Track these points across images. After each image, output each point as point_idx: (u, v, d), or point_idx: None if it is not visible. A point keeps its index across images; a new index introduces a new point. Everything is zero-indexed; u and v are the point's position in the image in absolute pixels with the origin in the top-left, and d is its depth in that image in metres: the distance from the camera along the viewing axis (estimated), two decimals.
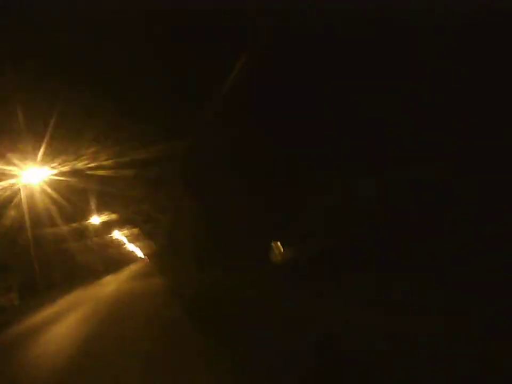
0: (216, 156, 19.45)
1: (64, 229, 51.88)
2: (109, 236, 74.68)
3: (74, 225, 54.26)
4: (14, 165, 30.24)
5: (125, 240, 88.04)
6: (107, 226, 66.95)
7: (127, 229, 73.53)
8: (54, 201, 37.23)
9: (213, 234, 23.96)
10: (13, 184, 31.69)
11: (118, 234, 77.92)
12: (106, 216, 59.93)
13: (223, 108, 16.12)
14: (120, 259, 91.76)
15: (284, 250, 19.57)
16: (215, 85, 15.67)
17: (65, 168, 29.62)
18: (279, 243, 20.72)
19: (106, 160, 27.26)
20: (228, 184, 19.46)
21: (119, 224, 67.69)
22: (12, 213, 33.85)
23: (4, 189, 31.27)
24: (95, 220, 61.33)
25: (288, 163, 14.42)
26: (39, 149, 26.29)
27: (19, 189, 32.01)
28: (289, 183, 14.82)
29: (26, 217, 32.61)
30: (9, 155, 27.81)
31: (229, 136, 16.88)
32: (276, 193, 15.92)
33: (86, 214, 58.39)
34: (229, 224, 21.03)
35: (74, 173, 30.31)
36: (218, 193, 21.07)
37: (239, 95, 14.64)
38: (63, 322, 18.20)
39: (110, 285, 38.31)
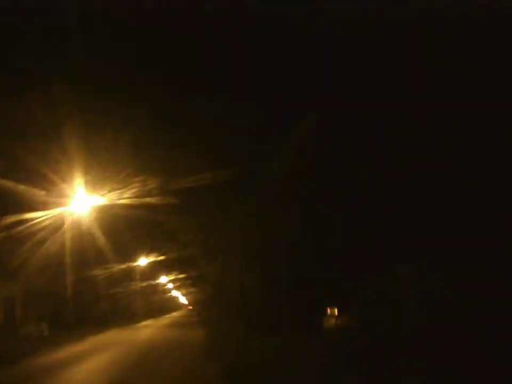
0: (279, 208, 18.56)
1: (109, 267, 50.18)
2: (155, 280, 72.94)
3: (120, 265, 52.64)
4: (61, 194, 28.72)
5: (170, 285, 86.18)
6: (153, 270, 65.13)
7: (173, 275, 71.72)
8: (100, 234, 35.42)
9: (265, 293, 21.79)
10: (59, 213, 29.99)
11: (163, 279, 76.27)
12: (154, 257, 58.34)
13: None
14: (163, 305, 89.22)
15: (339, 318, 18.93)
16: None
17: (113, 197, 27.69)
18: (335, 310, 19.18)
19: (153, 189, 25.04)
20: (287, 241, 18.79)
21: (166, 268, 65.90)
22: (55, 242, 31.99)
23: (49, 218, 29.54)
24: (143, 261, 59.72)
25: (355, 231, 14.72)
26: (85, 177, 25.30)
27: (64, 218, 30.21)
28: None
29: (69, 248, 30.59)
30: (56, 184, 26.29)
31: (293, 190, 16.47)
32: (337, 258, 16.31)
33: (133, 254, 57.06)
34: (283, 285, 20.21)
35: (123, 204, 28.33)
36: (277, 250, 20.06)
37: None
38: (82, 364, 15.56)
39: (146, 330, 35.65)
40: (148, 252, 56.97)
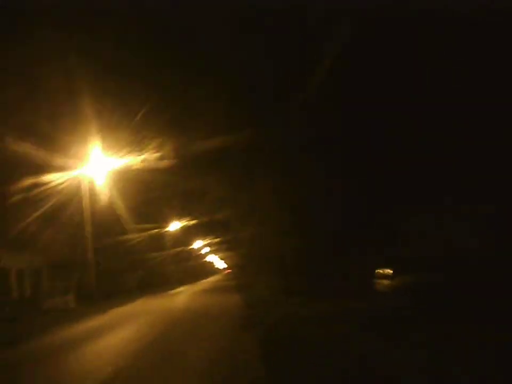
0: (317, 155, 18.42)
1: (139, 233, 47.82)
2: (189, 245, 71.03)
3: (150, 229, 50.32)
4: (78, 156, 25.92)
5: (205, 250, 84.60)
6: (187, 235, 62.78)
7: (208, 239, 69.65)
8: (126, 198, 32.56)
9: (306, 251, 21.37)
10: (78, 176, 27.20)
11: (198, 244, 74.39)
12: (186, 221, 55.88)
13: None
14: (199, 270, 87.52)
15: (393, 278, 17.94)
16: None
17: (135, 158, 24.84)
18: (387, 270, 18.20)
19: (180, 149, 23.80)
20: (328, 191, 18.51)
21: (200, 233, 63.54)
22: (79, 208, 29.28)
23: (69, 180, 26.75)
24: (175, 226, 57.31)
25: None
26: (105, 140, 23.95)
27: (85, 182, 27.40)
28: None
29: (93, 214, 27.84)
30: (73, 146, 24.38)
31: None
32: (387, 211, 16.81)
33: (164, 219, 54.63)
34: (327, 239, 19.67)
35: (146, 164, 25.47)
36: (318, 200, 19.78)
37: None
38: (100, 340, 13.07)
39: (179, 297, 32.94)
40: (180, 216, 54.42)
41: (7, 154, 21.86)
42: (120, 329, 15.72)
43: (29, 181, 24.41)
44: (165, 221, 54.44)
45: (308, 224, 22.06)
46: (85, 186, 27.26)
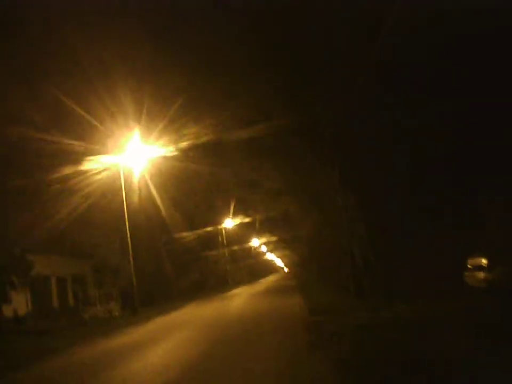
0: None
1: (191, 233, 44.82)
2: (246, 243, 68.04)
3: (203, 227, 47.22)
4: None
5: (263, 248, 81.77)
6: (244, 233, 59.41)
7: (266, 237, 66.41)
8: (171, 193, 29.23)
9: (378, 242, 18.39)
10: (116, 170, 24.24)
11: (255, 242, 71.61)
12: (241, 219, 52.40)
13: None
14: (257, 269, 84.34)
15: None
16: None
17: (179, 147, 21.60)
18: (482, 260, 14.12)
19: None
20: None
21: (257, 230, 60.00)
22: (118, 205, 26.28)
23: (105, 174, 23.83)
24: (229, 223, 54.11)
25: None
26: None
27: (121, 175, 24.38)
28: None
29: (140, 212, 24.57)
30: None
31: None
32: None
33: (217, 216, 51.39)
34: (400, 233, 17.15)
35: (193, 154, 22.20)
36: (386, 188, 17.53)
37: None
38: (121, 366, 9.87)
39: (235, 301, 29.21)
40: (234, 212, 50.85)
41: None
42: (153, 347, 12.32)
43: (65, 172, 22.43)
44: (218, 218, 51.38)
45: (377, 211, 18.64)
46: (124, 179, 24.04)
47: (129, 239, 24.38)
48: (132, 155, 23.43)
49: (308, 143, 20.46)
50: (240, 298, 30.30)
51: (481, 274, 14.58)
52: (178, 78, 18.18)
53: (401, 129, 16.66)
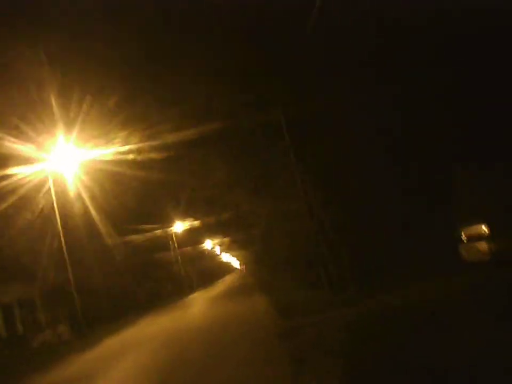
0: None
1: (140, 236, 42.57)
2: (199, 246, 66.32)
3: (153, 230, 45.06)
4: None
5: (217, 250, 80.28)
6: (195, 236, 57.44)
7: (219, 238, 64.92)
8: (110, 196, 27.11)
9: (353, 224, 17.17)
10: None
11: (209, 244, 70.16)
12: (191, 221, 50.47)
13: None
14: (213, 271, 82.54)
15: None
16: None
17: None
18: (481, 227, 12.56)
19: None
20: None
21: (209, 232, 58.21)
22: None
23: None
24: (179, 226, 52.20)
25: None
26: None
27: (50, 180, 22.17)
28: None
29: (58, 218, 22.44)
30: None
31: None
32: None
33: (165, 219, 49.25)
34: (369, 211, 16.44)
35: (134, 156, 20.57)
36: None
37: None
38: None
39: (192, 307, 27.60)
40: (184, 215, 48.78)
41: None
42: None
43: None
44: (167, 221, 49.35)
45: (346, 188, 17.53)
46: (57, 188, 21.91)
47: (65, 253, 22.27)
48: (62, 159, 21.30)
49: (259, 125, 19.18)
50: (197, 305, 28.68)
51: (482, 245, 12.87)
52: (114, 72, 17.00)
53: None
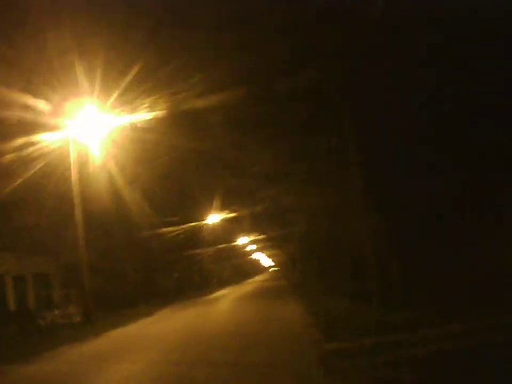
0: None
1: (173, 228, 40.36)
2: (232, 241, 64.07)
3: (183, 223, 42.74)
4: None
5: (250, 247, 78.17)
6: (230, 231, 54.98)
7: (253, 235, 62.54)
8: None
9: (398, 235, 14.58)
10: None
11: (242, 240, 67.99)
12: (226, 214, 48.00)
13: None
14: (243, 269, 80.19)
15: None
16: None
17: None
18: None
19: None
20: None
21: (243, 227, 55.71)
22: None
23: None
24: (212, 218, 49.87)
25: None
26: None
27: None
28: None
29: (77, 192, 20.00)
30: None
31: None
32: None
33: (201, 211, 46.96)
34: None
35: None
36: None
37: None
38: None
39: (217, 305, 24.76)
40: (219, 208, 46.32)
41: None
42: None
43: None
44: (201, 213, 47.01)
45: (395, 196, 14.85)
46: (75, 155, 19.40)
47: (79, 227, 19.92)
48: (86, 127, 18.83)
49: (310, 109, 16.44)
50: (223, 303, 25.88)
51: None
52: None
53: None
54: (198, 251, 50.73)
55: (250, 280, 69.02)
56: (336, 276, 21.98)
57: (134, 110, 17.98)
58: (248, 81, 16.78)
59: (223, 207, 43.27)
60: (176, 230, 42.16)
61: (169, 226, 38.73)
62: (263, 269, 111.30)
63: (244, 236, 64.15)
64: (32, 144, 18.19)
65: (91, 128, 18.92)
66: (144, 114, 17.97)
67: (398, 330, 9.37)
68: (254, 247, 77.78)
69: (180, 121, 18.94)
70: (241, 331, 12.51)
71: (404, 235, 15.06)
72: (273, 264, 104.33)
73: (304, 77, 15.81)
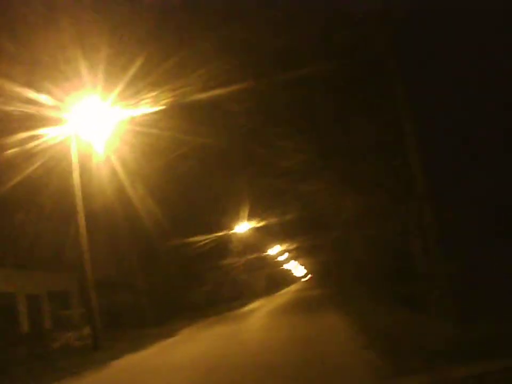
0: None
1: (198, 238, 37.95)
2: (262, 251, 61.59)
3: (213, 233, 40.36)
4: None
5: (281, 257, 75.75)
6: (257, 239, 52.39)
7: (285, 244, 60.10)
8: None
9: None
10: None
11: (273, 250, 65.59)
12: (256, 224, 45.50)
13: None
14: (275, 279, 77.28)
15: None
16: None
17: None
18: None
19: None
20: None
21: (273, 236, 53.13)
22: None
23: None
24: (243, 227, 47.38)
25: None
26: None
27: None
28: None
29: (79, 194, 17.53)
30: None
31: None
32: None
33: (229, 217, 44.51)
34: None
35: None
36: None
37: None
38: None
39: (249, 321, 21.94)
40: (248, 216, 43.76)
41: None
42: None
43: None
44: (230, 220, 44.60)
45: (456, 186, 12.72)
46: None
47: (83, 237, 17.47)
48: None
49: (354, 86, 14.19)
50: (256, 319, 23.04)
51: None
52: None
53: None
54: (228, 261, 48.39)
55: (284, 291, 66.07)
56: (376, 281, 19.65)
57: (140, 103, 15.89)
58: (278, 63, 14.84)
59: (252, 214, 40.83)
60: (204, 239, 39.95)
61: (196, 235, 36.47)
62: (296, 279, 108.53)
63: (275, 244, 61.66)
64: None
65: (96, 123, 16.66)
66: (152, 107, 15.79)
67: (499, 352, 6.66)
68: (285, 256, 75.26)
69: (195, 114, 16.66)
70: (274, 361, 9.81)
71: (464, 232, 12.64)
72: (306, 272, 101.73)
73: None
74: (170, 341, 18.19)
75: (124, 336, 20.24)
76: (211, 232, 40.30)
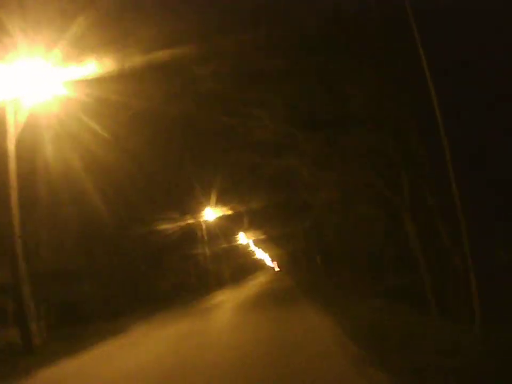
0: None
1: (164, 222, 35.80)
2: (231, 240, 60.23)
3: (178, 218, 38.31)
4: None
5: (251, 246, 75.17)
6: (225, 225, 50.65)
7: (254, 233, 58.92)
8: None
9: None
10: None
11: (242, 239, 64.68)
12: (224, 210, 43.92)
13: None
14: (243, 268, 75.81)
15: None
16: None
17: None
18: None
19: None
20: None
21: (244, 225, 51.63)
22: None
23: None
24: (209, 214, 45.71)
25: None
26: None
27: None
28: None
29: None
30: None
31: None
32: None
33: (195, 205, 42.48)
34: None
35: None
36: None
37: None
38: None
39: (214, 317, 19.47)
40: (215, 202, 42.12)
41: None
42: None
43: None
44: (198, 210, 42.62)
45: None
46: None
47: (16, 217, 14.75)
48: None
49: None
50: (223, 313, 20.59)
51: None
52: None
53: None
54: (197, 251, 46.42)
55: (251, 277, 64.79)
56: (351, 273, 17.71)
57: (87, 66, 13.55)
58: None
59: (221, 200, 38.91)
60: (172, 227, 37.93)
61: (161, 221, 34.23)
62: (265, 268, 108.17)
63: (244, 231, 60.32)
64: None
65: (36, 86, 14.11)
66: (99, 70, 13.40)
67: None
68: (255, 245, 74.37)
69: (153, 77, 14.24)
70: (246, 363, 7.52)
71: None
72: (277, 262, 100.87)
73: None
74: (116, 342, 15.35)
75: (71, 332, 17.72)
76: (177, 219, 38.33)
